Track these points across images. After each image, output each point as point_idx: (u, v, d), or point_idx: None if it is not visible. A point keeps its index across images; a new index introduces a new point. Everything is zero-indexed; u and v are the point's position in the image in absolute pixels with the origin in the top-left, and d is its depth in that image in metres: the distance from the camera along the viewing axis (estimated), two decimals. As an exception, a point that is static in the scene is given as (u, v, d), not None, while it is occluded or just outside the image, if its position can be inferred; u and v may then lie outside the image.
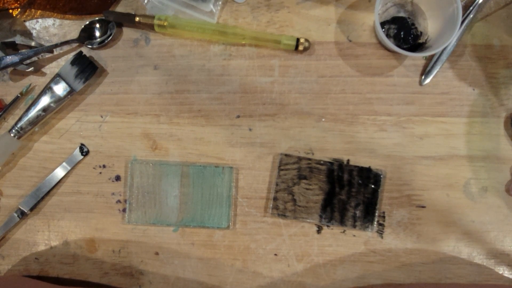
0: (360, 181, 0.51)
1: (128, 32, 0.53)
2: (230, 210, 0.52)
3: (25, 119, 0.51)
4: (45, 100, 0.51)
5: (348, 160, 0.52)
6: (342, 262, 0.52)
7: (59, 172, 0.52)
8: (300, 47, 0.51)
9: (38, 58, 0.53)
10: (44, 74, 0.53)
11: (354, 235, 0.52)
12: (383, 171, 0.51)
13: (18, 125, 0.51)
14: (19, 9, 0.53)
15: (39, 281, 0.50)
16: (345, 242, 0.52)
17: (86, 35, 0.53)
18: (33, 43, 0.53)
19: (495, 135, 0.52)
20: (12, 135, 0.51)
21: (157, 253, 0.52)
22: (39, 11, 0.53)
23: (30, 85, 0.53)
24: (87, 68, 0.51)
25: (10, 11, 0.53)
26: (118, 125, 0.53)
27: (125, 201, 0.52)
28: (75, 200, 0.53)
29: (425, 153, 0.52)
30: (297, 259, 0.52)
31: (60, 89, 0.51)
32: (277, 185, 0.51)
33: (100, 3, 0.52)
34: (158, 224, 0.52)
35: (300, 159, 0.51)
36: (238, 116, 0.52)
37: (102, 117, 0.53)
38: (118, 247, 0.53)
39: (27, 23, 0.54)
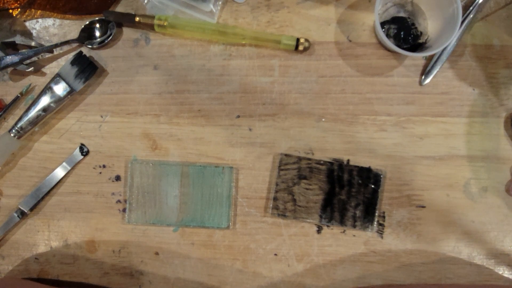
0: (360, 181, 0.51)
1: (128, 32, 0.53)
2: (230, 210, 0.52)
3: (25, 119, 0.50)
4: (45, 100, 0.51)
5: (348, 160, 0.52)
6: (342, 262, 0.52)
7: (59, 172, 0.52)
8: (300, 47, 0.51)
9: (38, 58, 0.53)
10: (44, 74, 0.53)
11: (354, 235, 0.52)
12: (383, 171, 0.51)
13: (18, 125, 0.50)
14: (19, 9, 0.53)
15: (39, 284, 0.50)
16: (345, 242, 0.52)
17: (86, 35, 0.53)
18: (33, 43, 0.53)
19: (495, 135, 0.52)
20: (12, 135, 0.51)
21: (157, 253, 0.52)
22: (39, 11, 0.53)
23: (30, 85, 0.53)
24: (87, 68, 0.51)
25: (10, 11, 0.53)
26: (118, 125, 0.53)
27: (125, 201, 0.52)
28: (75, 200, 0.53)
29: (425, 153, 0.52)
30: (297, 259, 0.52)
31: (60, 89, 0.51)
32: (277, 185, 0.51)
33: (100, 3, 0.52)
34: (158, 224, 0.52)
35: (300, 159, 0.51)
36: (238, 116, 0.52)
37: (102, 117, 0.53)
38: (118, 247, 0.53)
39: (27, 23, 0.54)
